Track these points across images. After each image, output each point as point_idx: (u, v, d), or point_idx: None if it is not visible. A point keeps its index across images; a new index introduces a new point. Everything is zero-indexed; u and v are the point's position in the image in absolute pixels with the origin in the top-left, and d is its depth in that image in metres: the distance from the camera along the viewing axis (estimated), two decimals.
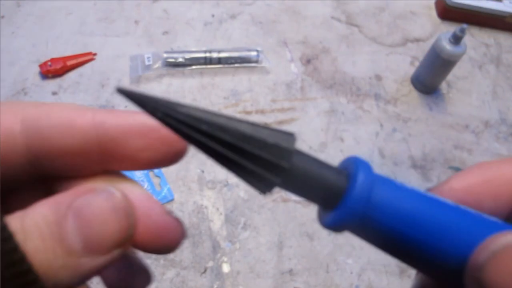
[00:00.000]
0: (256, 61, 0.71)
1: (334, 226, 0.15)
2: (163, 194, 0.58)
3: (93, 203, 0.14)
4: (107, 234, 0.14)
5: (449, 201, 0.16)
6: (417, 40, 0.80)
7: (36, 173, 0.16)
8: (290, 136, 0.14)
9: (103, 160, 0.16)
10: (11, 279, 0.12)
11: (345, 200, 0.15)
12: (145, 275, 0.19)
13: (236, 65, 0.71)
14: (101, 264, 0.14)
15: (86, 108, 0.16)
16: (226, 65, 0.71)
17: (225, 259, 0.55)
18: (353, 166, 0.15)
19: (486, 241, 0.14)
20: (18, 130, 0.16)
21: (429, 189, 0.18)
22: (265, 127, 0.14)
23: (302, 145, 0.65)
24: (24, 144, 0.16)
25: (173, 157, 0.17)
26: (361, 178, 0.15)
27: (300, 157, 0.15)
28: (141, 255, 0.20)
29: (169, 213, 0.17)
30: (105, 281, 0.18)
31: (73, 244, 0.13)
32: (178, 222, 0.17)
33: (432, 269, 0.16)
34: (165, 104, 0.13)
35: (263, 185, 0.14)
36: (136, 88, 0.68)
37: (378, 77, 0.74)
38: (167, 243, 0.16)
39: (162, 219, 0.16)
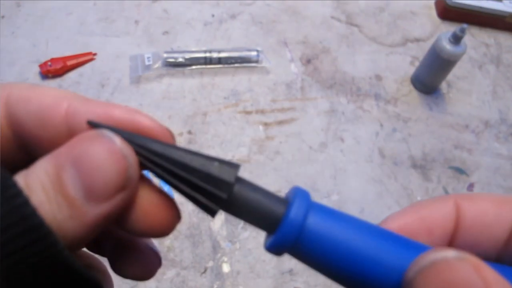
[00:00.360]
0: (256, 61, 0.71)
1: (271, 249, 0.16)
2: None
3: (89, 150, 0.14)
4: (106, 178, 0.14)
5: (381, 227, 0.17)
6: (417, 40, 0.80)
7: (28, 155, 0.16)
8: (234, 168, 0.16)
9: None
10: (23, 233, 0.12)
11: (280, 226, 0.16)
12: (154, 257, 0.18)
13: (236, 65, 0.71)
14: (106, 211, 0.14)
15: (65, 95, 0.16)
16: (226, 65, 0.71)
17: (225, 259, 0.55)
18: (291, 196, 0.17)
19: (417, 259, 0.15)
20: (3, 114, 0.16)
21: None
22: (214, 159, 0.16)
23: (302, 145, 0.65)
24: (9, 127, 0.16)
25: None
26: (295, 207, 0.16)
27: (243, 187, 0.16)
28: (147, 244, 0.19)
29: (161, 190, 0.17)
30: (114, 266, 0.18)
31: (74, 193, 0.14)
32: (170, 200, 0.17)
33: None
34: (128, 136, 0.15)
35: (207, 211, 0.16)
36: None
37: (378, 77, 0.74)
38: (160, 223, 0.16)
39: (154, 196, 0.16)
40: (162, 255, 0.54)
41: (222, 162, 0.16)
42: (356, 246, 0.16)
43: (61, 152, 0.14)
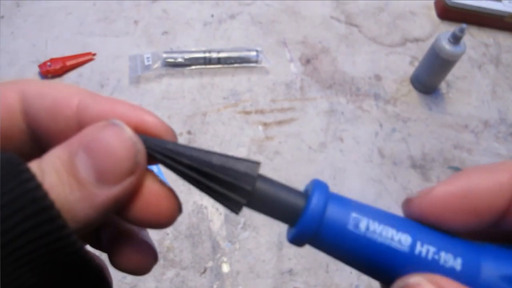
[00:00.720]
0: (256, 61, 0.71)
1: (293, 240, 0.17)
2: None
3: (100, 136, 0.15)
4: (116, 162, 0.15)
5: (397, 215, 0.17)
6: (416, 40, 0.80)
7: (40, 149, 0.17)
8: (255, 164, 0.17)
9: None
10: (34, 215, 0.13)
11: (300, 218, 0.17)
12: (150, 251, 0.19)
13: (235, 65, 0.71)
14: (115, 193, 0.15)
15: (77, 91, 0.17)
16: (225, 65, 0.71)
17: (225, 259, 0.55)
18: (311, 188, 0.17)
19: (397, 279, 0.16)
20: (18, 108, 0.17)
21: (409, 199, 0.18)
22: (235, 157, 0.17)
23: (301, 145, 0.65)
24: (24, 121, 0.17)
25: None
26: (314, 198, 0.17)
27: (264, 182, 0.17)
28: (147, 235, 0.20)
29: (163, 182, 0.17)
30: (112, 258, 0.19)
31: (85, 176, 0.14)
32: (172, 191, 0.17)
33: (382, 280, 0.17)
34: (153, 142, 0.16)
35: (233, 205, 0.17)
36: (136, 89, 0.68)
37: (378, 77, 0.74)
38: (161, 213, 0.17)
39: (156, 187, 0.17)
40: (162, 255, 0.54)
41: (243, 159, 0.17)
42: (367, 239, 0.16)
43: (74, 140, 0.15)
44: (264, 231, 0.57)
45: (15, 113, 0.17)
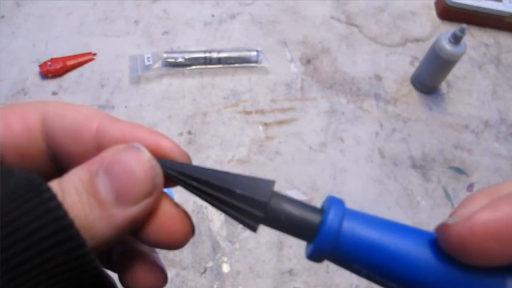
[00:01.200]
0: (256, 61, 0.71)
1: (311, 257, 0.18)
2: None
3: (121, 158, 0.16)
4: (136, 184, 0.15)
5: (414, 228, 0.17)
6: (417, 40, 0.80)
7: (58, 169, 0.18)
8: (271, 182, 0.18)
9: None
10: (54, 234, 0.13)
11: (318, 235, 0.17)
12: (161, 274, 0.19)
13: (236, 65, 0.71)
14: (134, 214, 0.15)
15: (96, 113, 0.18)
16: (226, 65, 0.71)
17: (225, 259, 0.55)
18: (327, 205, 0.18)
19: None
20: (39, 128, 0.17)
21: (445, 225, 0.17)
22: (251, 176, 0.17)
23: (302, 145, 0.65)
24: (44, 141, 0.17)
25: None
26: (331, 214, 0.17)
27: (280, 198, 0.18)
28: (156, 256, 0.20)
29: (178, 205, 0.18)
30: (122, 278, 0.19)
31: (105, 196, 0.15)
32: (186, 214, 0.18)
33: None
34: (170, 164, 0.17)
35: (250, 220, 0.17)
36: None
37: (378, 77, 0.74)
38: (175, 235, 0.17)
39: (172, 209, 0.17)
40: (162, 255, 0.54)
41: (256, 180, 0.17)
42: (391, 247, 0.17)
43: (94, 161, 0.16)
44: (264, 231, 0.57)
45: (36, 133, 0.17)
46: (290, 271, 0.55)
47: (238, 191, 0.17)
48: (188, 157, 0.18)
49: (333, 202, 0.18)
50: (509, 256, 0.14)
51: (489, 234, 0.14)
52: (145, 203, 0.16)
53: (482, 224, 0.14)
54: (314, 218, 0.17)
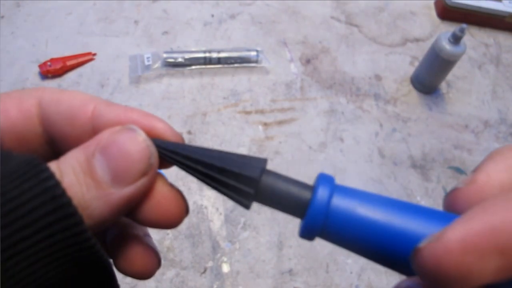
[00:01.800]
0: (256, 61, 0.71)
1: (303, 234, 0.17)
2: None
3: (117, 139, 0.16)
4: (131, 164, 0.16)
5: (404, 202, 0.17)
6: (416, 40, 0.80)
7: (55, 153, 0.18)
8: (263, 160, 0.18)
9: None
10: (53, 211, 0.14)
11: (307, 211, 0.17)
12: (155, 257, 0.20)
13: (235, 65, 0.71)
14: (130, 193, 0.16)
15: (91, 98, 0.18)
16: (225, 65, 0.71)
17: (225, 259, 0.55)
18: (316, 181, 0.18)
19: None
20: (35, 113, 0.18)
21: (462, 182, 0.16)
22: (243, 155, 0.18)
23: (301, 145, 0.65)
24: (40, 125, 0.18)
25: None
26: (320, 190, 0.17)
27: (271, 175, 0.18)
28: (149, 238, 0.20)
29: (172, 185, 0.18)
30: (116, 261, 0.19)
31: (102, 176, 0.15)
32: (181, 194, 0.18)
33: (395, 267, 0.17)
34: (165, 144, 0.18)
35: (242, 197, 0.17)
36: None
37: (378, 77, 0.74)
38: (170, 214, 0.18)
39: (166, 189, 0.18)
40: (162, 255, 0.54)
41: (249, 158, 0.18)
42: (380, 220, 0.16)
43: (91, 143, 0.16)
44: (264, 231, 0.57)
45: (32, 118, 0.18)
46: (290, 271, 0.55)
47: (229, 168, 0.17)
48: (181, 138, 0.19)
49: (323, 178, 0.18)
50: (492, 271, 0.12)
51: (466, 248, 0.12)
52: (141, 182, 0.16)
53: (454, 243, 0.13)
54: (305, 194, 0.17)
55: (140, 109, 0.18)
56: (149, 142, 0.17)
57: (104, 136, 0.16)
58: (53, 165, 0.15)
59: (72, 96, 0.18)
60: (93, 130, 0.17)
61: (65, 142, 0.18)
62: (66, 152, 0.16)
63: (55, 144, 0.18)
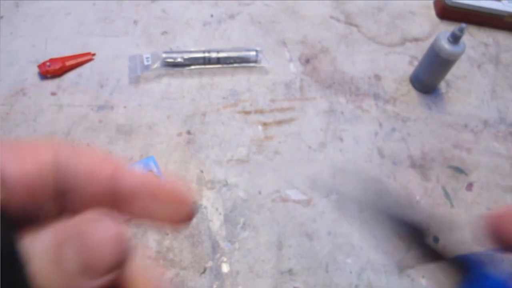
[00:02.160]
0: (255, 61, 0.71)
1: None
2: None
3: (91, 229, 0.15)
4: (102, 259, 0.15)
5: None
6: (416, 39, 0.80)
7: (59, 208, 0.18)
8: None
9: (114, 208, 0.18)
10: None
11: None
12: None
13: (235, 65, 0.71)
14: (97, 285, 0.15)
15: (111, 160, 0.18)
16: (225, 65, 0.71)
17: (225, 259, 0.55)
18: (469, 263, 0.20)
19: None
20: (50, 167, 0.17)
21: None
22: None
23: (301, 144, 0.65)
24: (53, 180, 0.18)
25: (178, 220, 0.19)
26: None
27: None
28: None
29: (149, 271, 0.18)
30: None
31: (70, 267, 0.15)
32: (157, 276, 0.19)
33: None
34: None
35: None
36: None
37: (377, 77, 0.74)
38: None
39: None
40: (161, 255, 0.54)
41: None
42: None
43: (66, 228, 0.16)
44: (264, 231, 0.57)
45: (47, 171, 0.18)
46: (290, 271, 0.55)
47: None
48: (190, 204, 0.19)
49: (475, 264, 0.20)
50: None
51: None
52: (111, 275, 0.16)
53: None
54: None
55: (157, 176, 0.18)
56: (125, 236, 0.16)
57: (77, 223, 0.16)
58: (25, 246, 0.15)
59: (91, 154, 0.18)
60: (112, 193, 0.18)
61: (79, 199, 0.18)
62: (40, 231, 0.16)
63: (64, 198, 0.18)
